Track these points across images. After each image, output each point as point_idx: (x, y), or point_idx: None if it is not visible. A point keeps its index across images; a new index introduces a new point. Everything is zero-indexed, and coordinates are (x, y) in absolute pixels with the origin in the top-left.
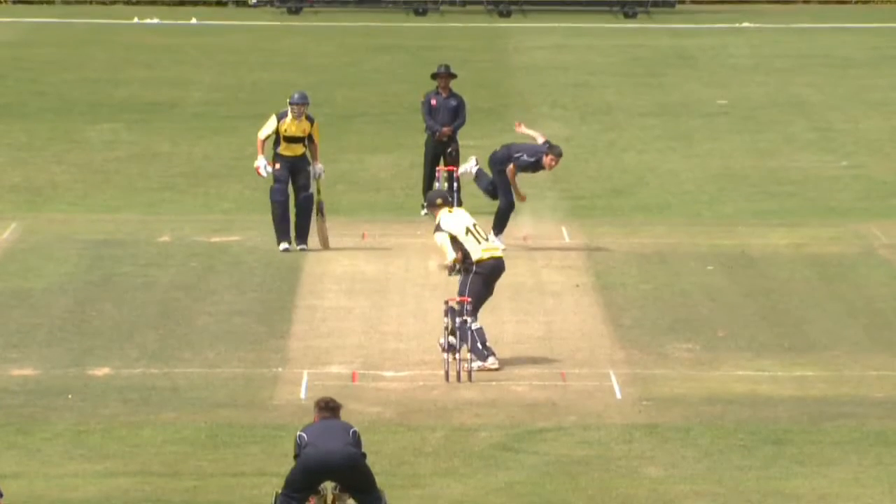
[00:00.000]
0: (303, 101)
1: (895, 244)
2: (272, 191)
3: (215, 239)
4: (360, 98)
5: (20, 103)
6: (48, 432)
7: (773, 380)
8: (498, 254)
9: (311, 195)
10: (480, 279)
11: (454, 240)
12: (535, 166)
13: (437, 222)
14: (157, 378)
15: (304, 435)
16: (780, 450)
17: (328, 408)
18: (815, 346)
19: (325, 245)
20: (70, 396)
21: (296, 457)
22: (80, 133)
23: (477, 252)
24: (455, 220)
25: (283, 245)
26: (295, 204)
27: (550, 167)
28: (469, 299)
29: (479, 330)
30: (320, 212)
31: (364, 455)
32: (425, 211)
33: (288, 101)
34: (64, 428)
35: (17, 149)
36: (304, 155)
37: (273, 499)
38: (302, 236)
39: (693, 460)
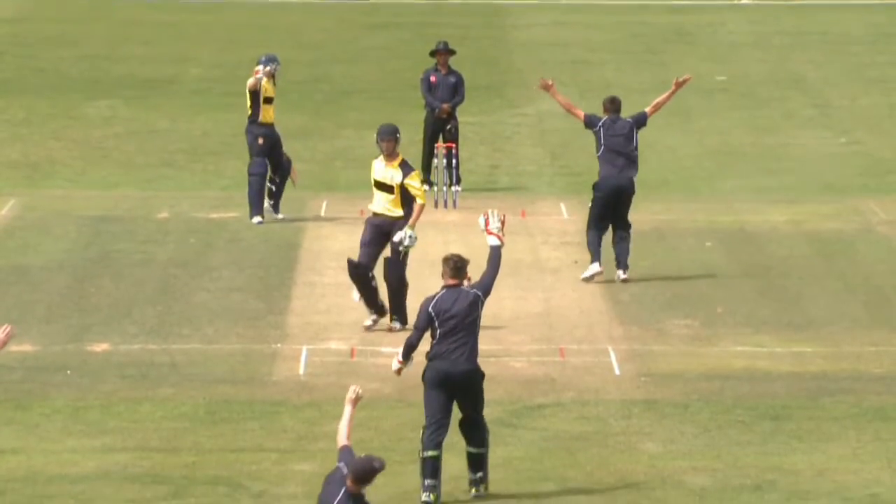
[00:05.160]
0: (274, 60)
1: (893, 220)
2: (253, 164)
3: (214, 215)
4: (359, 75)
5: (19, 79)
6: (47, 408)
7: (772, 356)
8: None
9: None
10: None
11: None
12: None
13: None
14: (156, 354)
15: (432, 313)
16: (779, 425)
17: (457, 269)
18: (814, 322)
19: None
20: (69, 372)
21: (416, 328)
22: (79, 109)
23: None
24: None
25: (258, 219)
26: (276, 173)
27: None
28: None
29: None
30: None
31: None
32: (424, 187)
33: (262, 66)
34: (62, 404)
35: (16, 125)
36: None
37: (421, 434)
38: (278, 204)
39: (691, 436)
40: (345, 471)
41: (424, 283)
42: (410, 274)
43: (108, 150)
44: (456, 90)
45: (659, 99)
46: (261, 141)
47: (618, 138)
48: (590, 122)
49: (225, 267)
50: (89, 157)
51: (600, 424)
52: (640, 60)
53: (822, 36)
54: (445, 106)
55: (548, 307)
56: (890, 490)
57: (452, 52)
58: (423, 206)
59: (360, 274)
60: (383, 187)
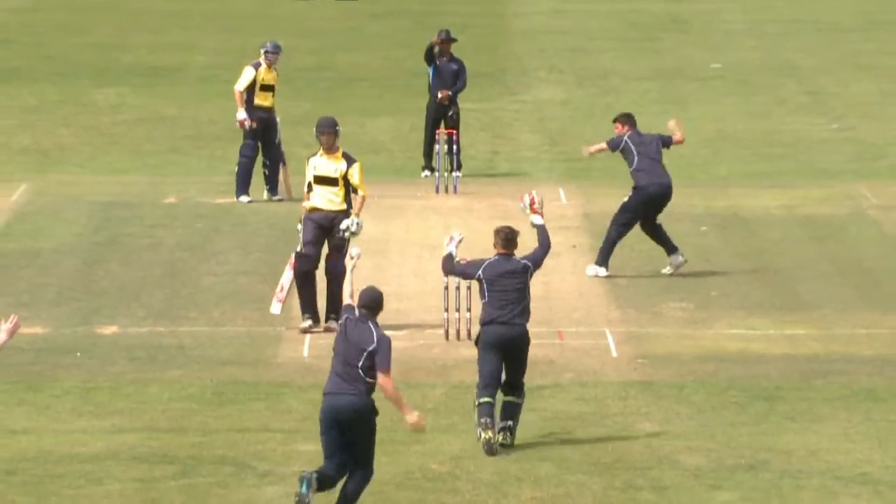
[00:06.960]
0: (277, 51)
1: (884, 205)
2: (244, 146)
3: (220, 200)
4: (362, 62)
5: (29, 67)
6: (57, 389)
7: (765, 338)
8: None
9: (280, 147)
10: None
11: None
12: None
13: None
14: (164, 336)
15: (481, 275)
16: (772, 406)
17: (508, 239)
18: (806, 304)
19: (289, 194)
20: (78, 354)
21: (465, 276)
22: (88, 97)
23: None
24: None
25: (245, 198)
26: (268, 157)
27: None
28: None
29: None
30: (282, 162)
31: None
32: (426, 173)
33: (263, 51)
34: (72, 385)
35: (26, 112)
36: (274, 107)
37: (476, 389)
38: (275, 187)
39: (687, 417)
40: (356, 314)
41: (424, 266)
42: (412, 258)
43: (117, 137)
44: (458, 77)
45: (677, 136)
46: (254, 125)
47: (649, 147)
48: (614, 144)
49: (231, 251)
50: (98, 143)
51: (598, 405)
52: (636, 48)
53: (814, 24)
54: (442, 94)
55: (547, 290)
56: (880, 469)
57: (454, 40)
58: (364, 198)
59: (307, 271)
60: (327, 181)
